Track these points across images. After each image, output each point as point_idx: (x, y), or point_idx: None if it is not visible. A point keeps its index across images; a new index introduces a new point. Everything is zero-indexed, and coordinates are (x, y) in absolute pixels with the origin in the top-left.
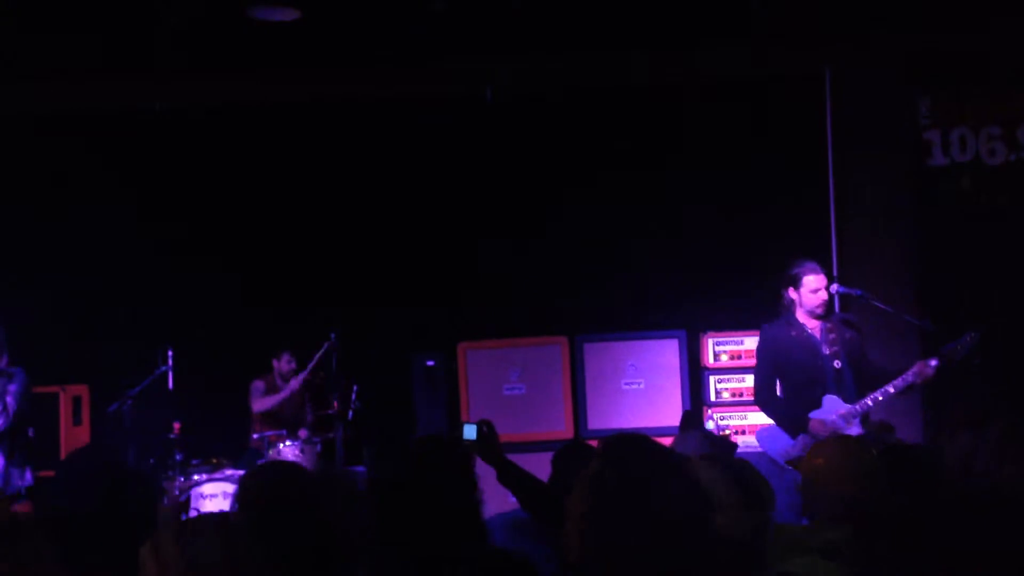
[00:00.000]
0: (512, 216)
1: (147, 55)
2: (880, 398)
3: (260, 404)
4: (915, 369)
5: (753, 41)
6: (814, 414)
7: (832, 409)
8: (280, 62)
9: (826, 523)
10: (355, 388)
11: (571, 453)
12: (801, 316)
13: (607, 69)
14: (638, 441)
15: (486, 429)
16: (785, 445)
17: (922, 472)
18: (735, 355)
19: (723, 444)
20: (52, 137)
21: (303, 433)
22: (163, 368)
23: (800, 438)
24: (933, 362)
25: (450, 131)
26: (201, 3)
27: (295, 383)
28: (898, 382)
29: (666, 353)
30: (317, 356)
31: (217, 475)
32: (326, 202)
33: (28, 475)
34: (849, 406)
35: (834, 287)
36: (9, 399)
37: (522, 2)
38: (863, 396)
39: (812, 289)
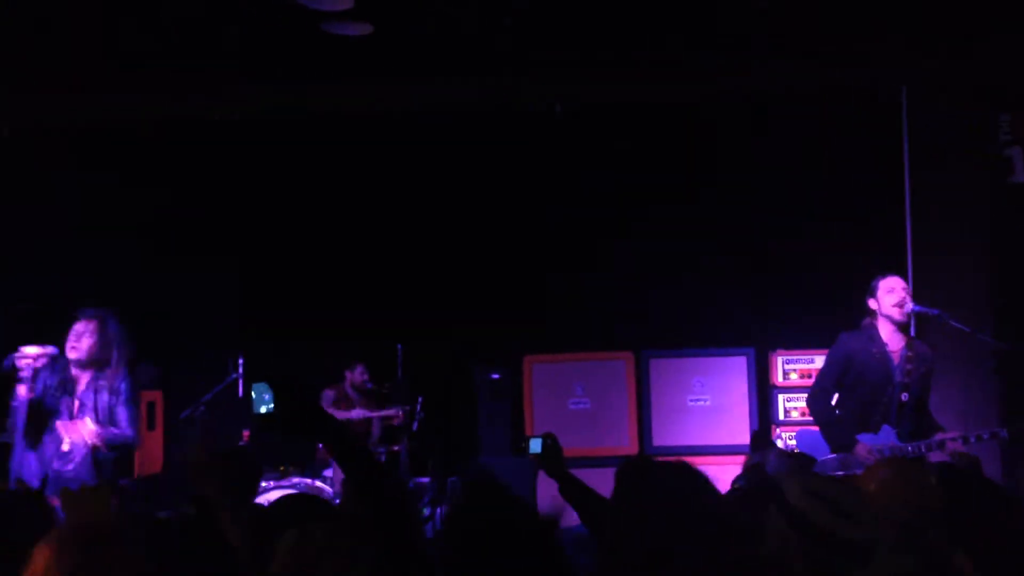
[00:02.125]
0: (581, 230)
1: (222, 66)
2: (935, 447)
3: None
4: (938, 439)
5: (829, 57)
6: (866, 438)
7: (885, 440)
8: (350, 75)
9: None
10: (420, 400)
11: (634, 468)
12: (884, 331)
13: (678, 84)
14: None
15: (551, 442)
16: (822, 456)
17: (986, 500)
18: (805, 374)
19: (802, 460)
20: (118, 146)
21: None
22: (234, 375)
23: (840, 456)
24: (957, 443)
25: (519, 145)
26: (276, 17)
27: (356, 415)
28: (933, 444)
29: (734, 370)
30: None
31: (284, 483)
32: (398, 214)
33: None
34: (901, 444)
35: (910, 306)
36: (123, 410)
37: (590, 19)
38: (917, 438)
39: (888, 289)
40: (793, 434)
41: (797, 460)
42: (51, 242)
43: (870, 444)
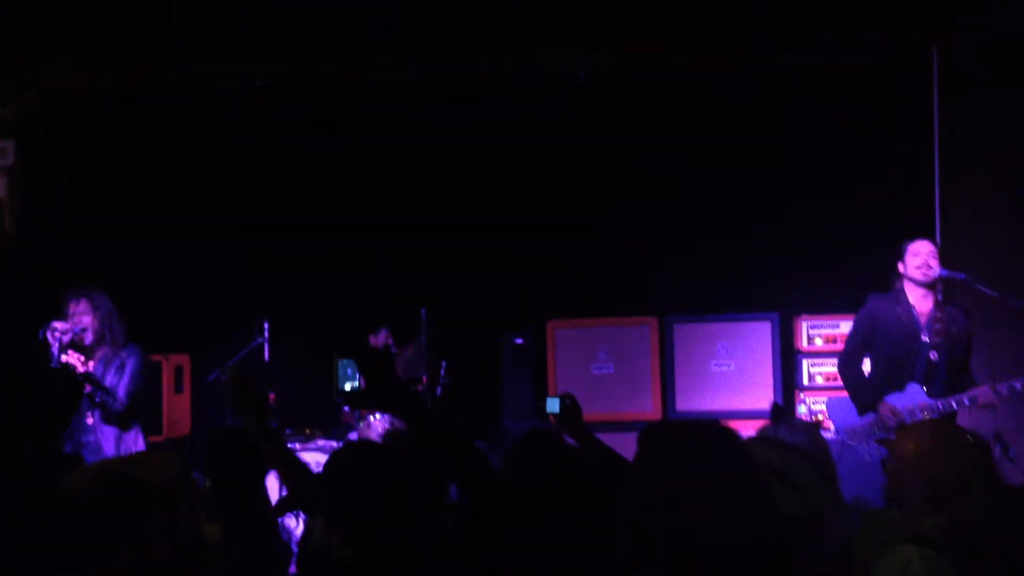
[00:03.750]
0: (604, 194)
1: (251, 34)
2: (966, 402)
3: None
4: (983, 392)
5: (857, 20)
6: (891, 398)
7: (911, 398)
8: (376, 41)
9: (918, 511)
10: (444, 364)
11: (659, 431)
12: (911, 294)
13: (705, 51)
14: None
15: (569, 402)
16: (852, 421)
17: None
18: (830, 339)
19: (813, 431)
20: (152, 113)
21: None
22: (260, 340)
23: (868, 416)
24: (989, 395)
25: (543, 110)
26: None
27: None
28: (964, 399)
29: (758, 335)
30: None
31: (310, 445)
32: (421, 180)
33: (141, 441)
34: (931, 400)
35: (936, 271)
36: (125, 380)
37: None
38: (948, 395)
39: (914, 252)
40: (822, 400)
41: (808, 431)
42: (73, 209)
43: (895, 403)
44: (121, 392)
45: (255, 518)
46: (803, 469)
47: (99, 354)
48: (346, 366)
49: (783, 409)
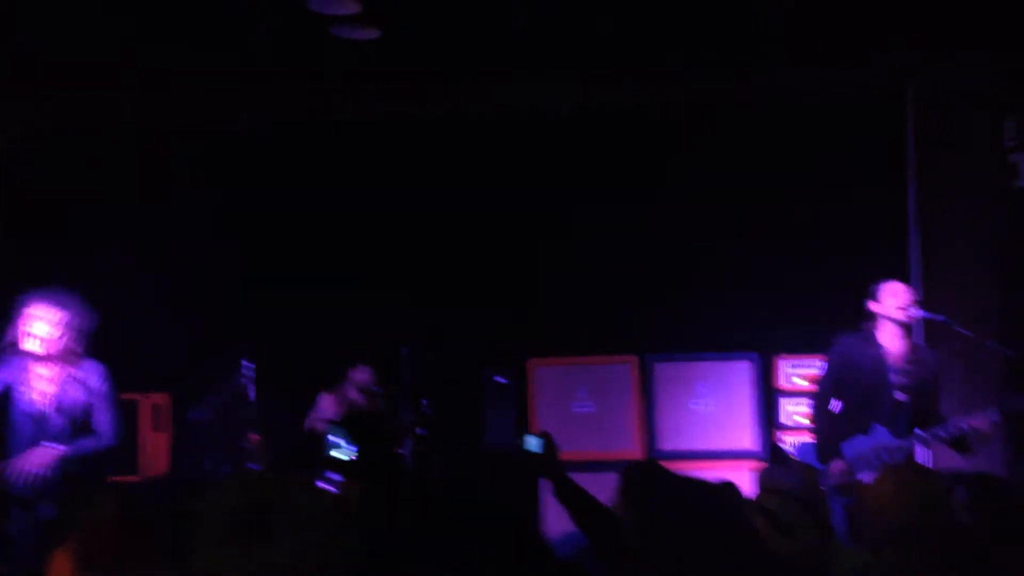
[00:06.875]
0: (584, 233)
1: (235, 70)
2: (928, 439)
3: (309, 423)
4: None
5: (834, 59)
6: (859, 440)
7: (876, 440)
8: (358, 78)
9: (888, 550)
10: (424, 403)
11: (642, 469)
12: (884, 334)
13: (681, 86)
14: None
15: (547, 441)
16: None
17: (1000, 503)
18: (809, 378)
19: (811, 473)
20: (141, 148)
21: None
22: (241, 378)
23: (830, 465)
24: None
25: (524, 147)
26: (285, 21)
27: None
28: (939, 432)
29: (738, 375)
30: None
31: None
32: (401, 217)
33: None
34: (896, 441)
35: (915, 311)
36: (107, 415)
37: (605, 20)
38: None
39: (892, 293)
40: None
41: (806, 473)
42: (54, 243)
43: (862, 445)
44: (107, 428)
45: None
46: (795, 513)
47: (55, 371)
48: (339, 435)
49: (783, 452)
